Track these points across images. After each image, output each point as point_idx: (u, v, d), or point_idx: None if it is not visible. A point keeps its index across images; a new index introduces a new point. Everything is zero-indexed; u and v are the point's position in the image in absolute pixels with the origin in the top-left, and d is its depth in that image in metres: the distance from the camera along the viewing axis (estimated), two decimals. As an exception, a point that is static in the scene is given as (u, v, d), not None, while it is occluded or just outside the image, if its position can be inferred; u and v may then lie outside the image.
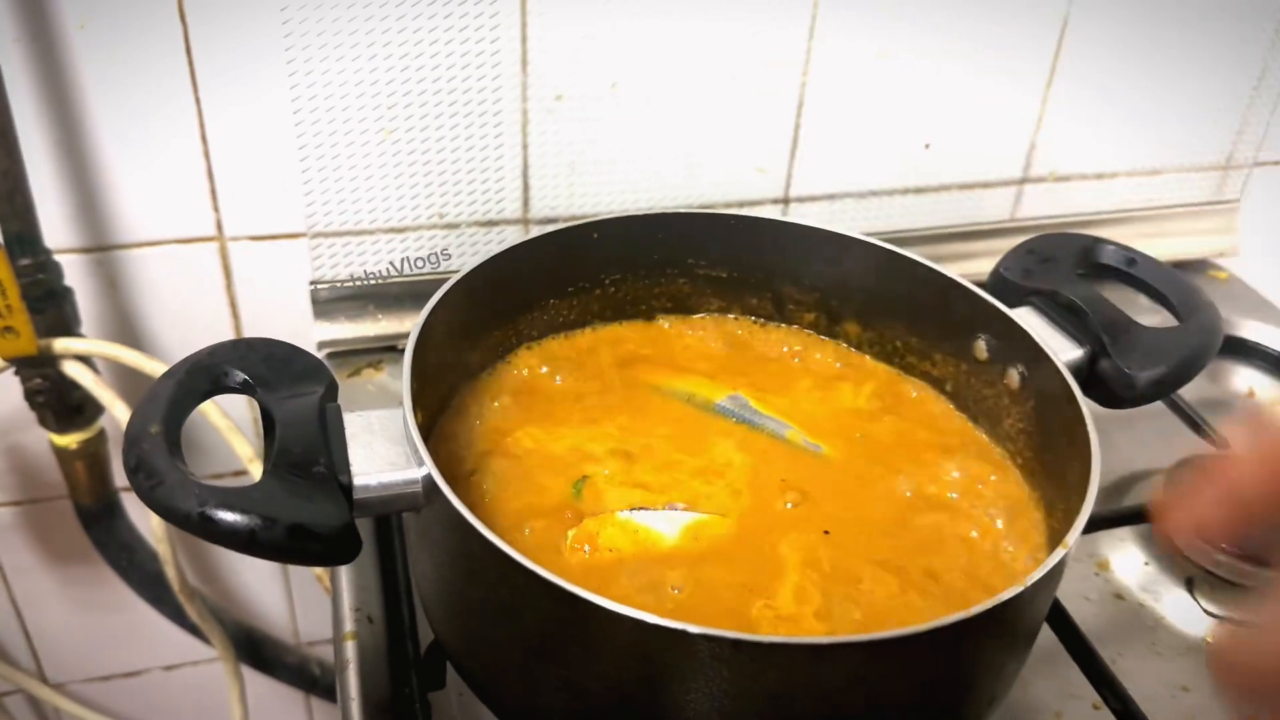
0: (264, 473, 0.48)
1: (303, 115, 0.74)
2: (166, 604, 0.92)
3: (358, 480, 0.49)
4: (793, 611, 0.52)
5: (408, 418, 0.51)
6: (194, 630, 0.93)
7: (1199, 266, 1.00)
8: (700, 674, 0.43)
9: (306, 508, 0.46)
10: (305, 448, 0.49)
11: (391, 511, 0.51)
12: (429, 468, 0.49)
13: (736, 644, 0.42)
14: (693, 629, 0.42)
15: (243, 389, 0.52)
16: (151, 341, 0.84)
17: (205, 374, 0.52)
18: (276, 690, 1.04)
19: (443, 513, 0.48)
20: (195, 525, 0.44)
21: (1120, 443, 0.80)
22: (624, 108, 0.80)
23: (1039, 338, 0.61)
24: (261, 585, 1.00)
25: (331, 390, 0.53)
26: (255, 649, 0.98)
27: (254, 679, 1.00)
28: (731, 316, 0.73)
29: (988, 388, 0.65)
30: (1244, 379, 0.91)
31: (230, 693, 0.97)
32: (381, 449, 0.51)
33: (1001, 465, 0.64)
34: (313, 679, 1.01)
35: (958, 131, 0.88)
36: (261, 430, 0.91)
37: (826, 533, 0.57)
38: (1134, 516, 0.72)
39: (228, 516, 0.44)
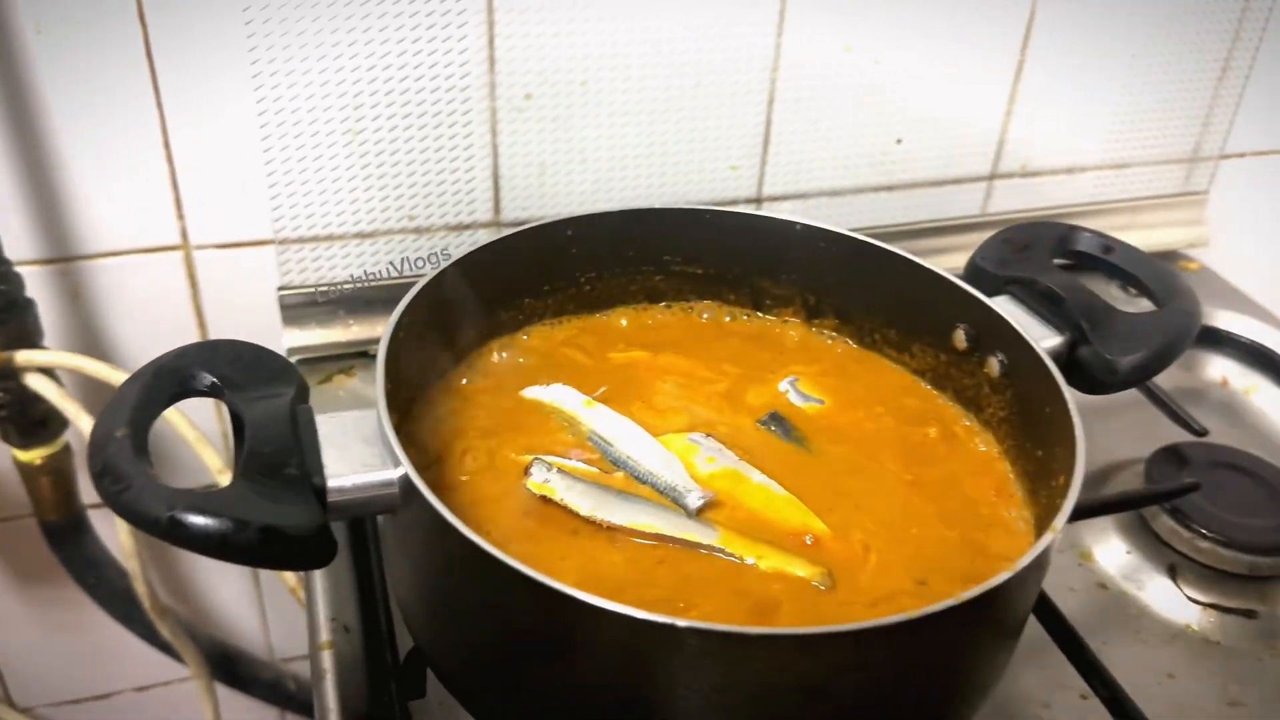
0: (234, 476, 0.46)
1: (268, 119, 0.73)
2: (136, 622, 0.90)
3: (331, 482, 0.48)
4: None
5: (383, 417, 0.49)
6: (166, 648, 0.91)
7: (1170, 258, 1.01)
8: (690, 666, 0.43)
9: (279, 510, 0.45)
10: (276, 449, 0.48)
11: (367, 514, 0.50)
12: (405, 467, 0.48)
13: (726, 636, 0.41)
14: (680, 622, 0.41)
15: (210, 391, 0.51)
16: (117, 353, 0.82)
17: (172, 376, 0.50)
18: (251, 708, 1.02)
19: (421, 514, 0.47)
20: (164, 530, 0.43)
21: (1098, 433, 0.79)
22: (595, 106, 0.79)
23: (1018, 325, 0.60)
24: (234, 601, 0.98)
25: (302, 392, 0.52)
26: (229, 666, 0.96)
27: (228, 697, 0.98)
28: (707, 302, 0.73)
29: (968, 378, 0.65)
30: (1218, 368, 0.91)
31: (204, 711, 0.95)
32: (355, 450, 0.49)
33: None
34: (288, 695, 0.99)
35: (928, 128, 0.88)
36: (231, 442, 0.89)
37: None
38: (1115, 505, 0.71)
39: (198, 520, 0.43)
